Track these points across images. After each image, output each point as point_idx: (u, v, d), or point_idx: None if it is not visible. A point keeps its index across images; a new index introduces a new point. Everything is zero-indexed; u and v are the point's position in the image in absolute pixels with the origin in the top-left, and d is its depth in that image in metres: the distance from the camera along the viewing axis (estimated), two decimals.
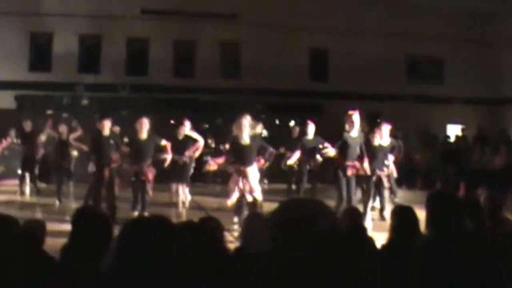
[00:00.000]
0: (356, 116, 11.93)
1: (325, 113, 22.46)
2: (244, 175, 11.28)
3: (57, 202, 15.06)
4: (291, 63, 23.52)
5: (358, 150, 12.09)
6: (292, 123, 22.46)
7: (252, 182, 11.34)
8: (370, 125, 15.01)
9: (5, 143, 17.01)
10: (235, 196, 11.39)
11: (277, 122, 21.75)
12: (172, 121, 20.42)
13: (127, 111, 20.95)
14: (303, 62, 24.48)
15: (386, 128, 13.66)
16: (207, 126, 22.05)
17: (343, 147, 11.91)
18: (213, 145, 20.59)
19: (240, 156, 11.38)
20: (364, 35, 23.68)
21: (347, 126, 11.97)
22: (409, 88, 24.67)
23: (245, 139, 11.32)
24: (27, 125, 17.72)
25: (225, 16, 23.66)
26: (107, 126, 12.87)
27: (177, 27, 23.26)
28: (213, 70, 23.84)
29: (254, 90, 23.01)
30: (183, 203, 14.76)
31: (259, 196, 11.43)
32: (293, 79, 23.34)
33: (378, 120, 14.18)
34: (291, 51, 23.64)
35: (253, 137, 11.65)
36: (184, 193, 14.94)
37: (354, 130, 11.95)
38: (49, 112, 21.79)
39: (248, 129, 11.40)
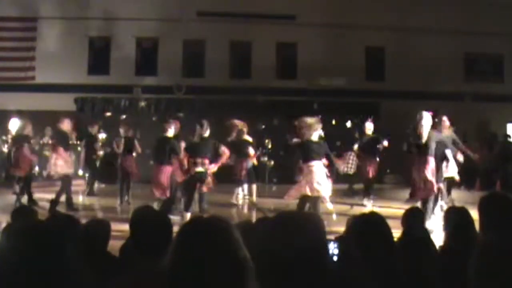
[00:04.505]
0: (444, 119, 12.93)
1: (381, 112, 22.25)
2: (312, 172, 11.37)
3: (118, 202, 15.36)
4: (348, 62, 23.32)
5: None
6: (348, 123, 22.35)
7: (317, 178, 11.37)
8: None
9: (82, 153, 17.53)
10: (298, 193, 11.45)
11: (333, 122, 21.63)
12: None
13: (183, 113, 21.13)
14: (359, 61, 24.24)
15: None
16: (263, 126, 22.06)
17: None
18: (269, 146, 20.61)
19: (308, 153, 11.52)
20: (421, 33, 23.36)
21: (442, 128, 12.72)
22: (467, 86, 24.16)
23: (314, 137, 11.53)
24: (93, 129, 17.94)
25: (281, 17, 23.63)
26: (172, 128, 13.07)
27: (233, 28, 23.29)
28: (270, 70, 23.84)
29: (310, 90, 22.97)
30: (242, 204, 14.92)
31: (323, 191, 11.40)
32: (349, 78, 23.16)
33: (436, 120, 13.97)
34: (347, 50, 23.47)
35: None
36: (244, 194, 15.14)
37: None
38: (108, 114, 22.16)
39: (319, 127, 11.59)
